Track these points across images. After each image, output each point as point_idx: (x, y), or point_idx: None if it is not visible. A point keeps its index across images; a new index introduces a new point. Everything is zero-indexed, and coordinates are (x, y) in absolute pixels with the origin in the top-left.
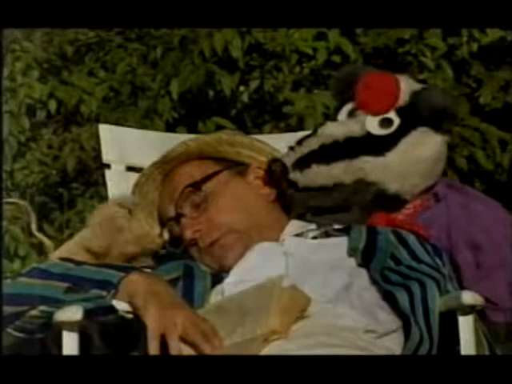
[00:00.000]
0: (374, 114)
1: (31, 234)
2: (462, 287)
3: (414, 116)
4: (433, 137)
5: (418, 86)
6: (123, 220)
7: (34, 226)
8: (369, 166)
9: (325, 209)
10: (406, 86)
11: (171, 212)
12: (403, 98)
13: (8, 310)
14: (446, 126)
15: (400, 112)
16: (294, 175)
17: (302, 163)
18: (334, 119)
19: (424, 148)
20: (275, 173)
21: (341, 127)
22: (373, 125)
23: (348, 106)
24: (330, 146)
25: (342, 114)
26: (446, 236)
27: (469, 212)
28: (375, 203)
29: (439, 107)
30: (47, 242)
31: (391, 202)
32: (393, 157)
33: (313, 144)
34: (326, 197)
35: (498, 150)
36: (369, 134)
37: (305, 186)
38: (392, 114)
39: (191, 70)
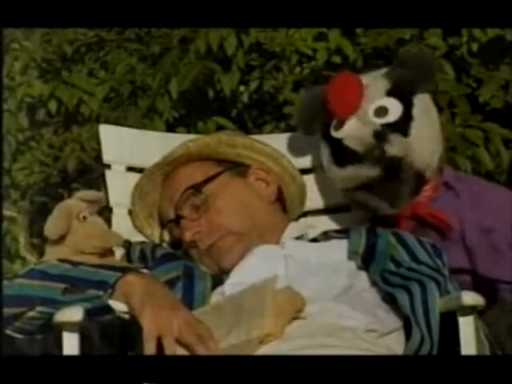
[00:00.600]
0: (345, 116)
1: (31, 235)
2: (477, 273)
3: (408, 88)
4: (430, 98)
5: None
6: (86, 212)
7: (22, 242)
8: (395, 150)
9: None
10: (376, 75)
11: (171, 214)
12: (385, 83)
13: (7, 311)
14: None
15: (392, 93)
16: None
17: None
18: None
19: (432, 112)
20: None
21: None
22: (373, 117)
23: (334, 123)
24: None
25: (333, 130)
26: (458, 223)
27: (478, 197)
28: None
29: (426, 64)
30: (31, 258)
31: (417, 179)
32: (415, 133)
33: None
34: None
35: (502, 148)
36: (383, 125)
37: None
38: (385, 101)
39: (190, 69)
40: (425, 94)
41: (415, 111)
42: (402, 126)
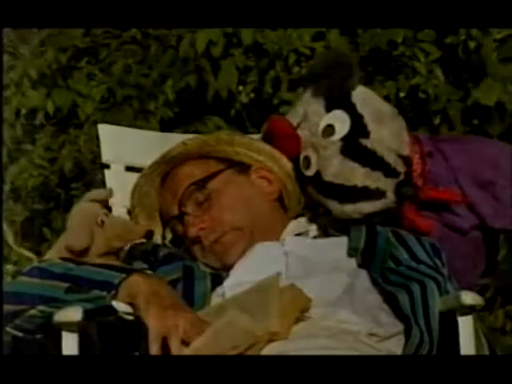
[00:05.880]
0: (292, 156)
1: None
2: (487, 225)
3: (339, 92)
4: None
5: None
6: (102, 215)
7: (10, 240)
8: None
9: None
10: (306, 101)
11: (174, 211)
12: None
13: (8, 308)
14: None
15: (329, 107)
16: None
17: None
18: None
19: (375, 101)
20: None
21: None
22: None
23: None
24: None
25: (304, 169)
26: (455, 185)
27: (469, 153)
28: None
29: (339, 61)
30: (28, 254)
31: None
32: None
33: None
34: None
35: None
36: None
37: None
38: (328, 119)
39: (186, 70)
40: (360, 89)
41: (359, 107)
42: (360, 129)
